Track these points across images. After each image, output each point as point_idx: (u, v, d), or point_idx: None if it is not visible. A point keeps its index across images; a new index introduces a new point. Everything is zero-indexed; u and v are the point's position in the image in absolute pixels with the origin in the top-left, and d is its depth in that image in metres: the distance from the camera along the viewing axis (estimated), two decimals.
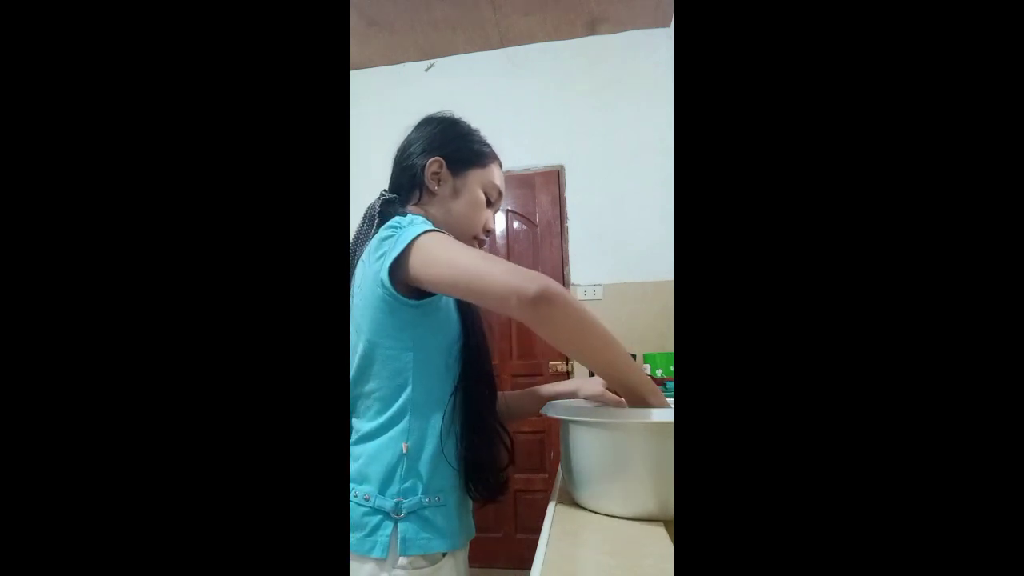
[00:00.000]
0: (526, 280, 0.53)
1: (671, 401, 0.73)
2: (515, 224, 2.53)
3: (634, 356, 2.02)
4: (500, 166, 0.78)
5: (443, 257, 0.58)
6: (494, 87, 2.59)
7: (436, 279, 0.59)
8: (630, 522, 0.52)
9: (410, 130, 0.78)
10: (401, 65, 2.72)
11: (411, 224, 0.61)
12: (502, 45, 2.59)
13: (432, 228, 0.61)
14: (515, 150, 2.50)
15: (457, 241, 0.62)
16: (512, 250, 2.52)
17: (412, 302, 0.62)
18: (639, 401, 0.59)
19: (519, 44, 2.59)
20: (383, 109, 2.57)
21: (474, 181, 0.73)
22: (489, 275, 0.55)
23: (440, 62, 2.69)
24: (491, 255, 0.58)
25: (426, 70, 2.70)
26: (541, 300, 0.52)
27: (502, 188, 0.77)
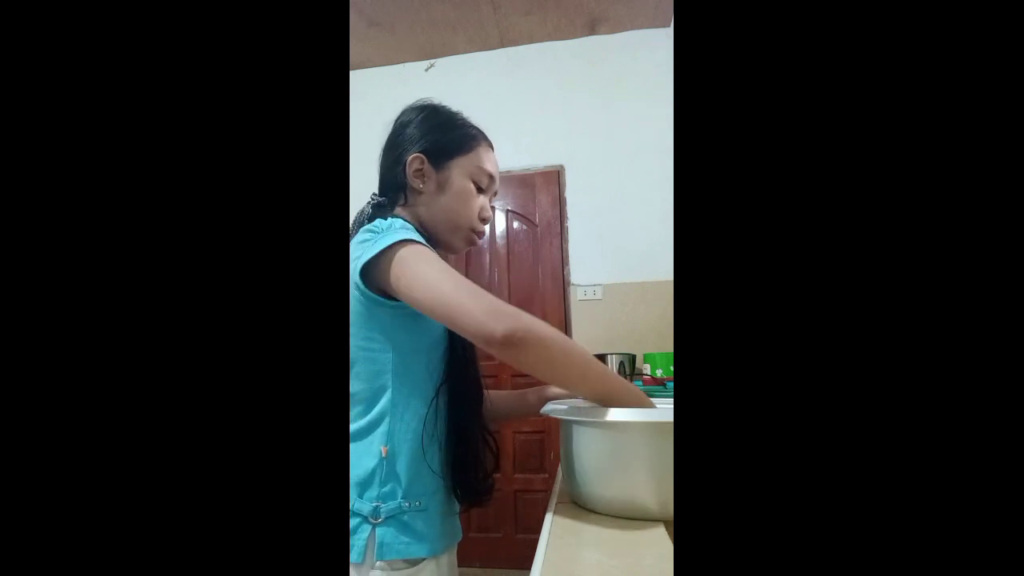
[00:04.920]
0: (494, 321, 0.51)
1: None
2: (515, 224, 2.53)
3: (633, 357, 1.99)
4: (490, 148, 0.73)
5: (421, 279, 0.56)
6: (494, 87, 2.59)
7: (414, 300, 0.57)
8: (630, 522, 0.52)
9: (391, 125, 0.74)
10: (401, 65, 2.72)
11: (389, 229, 0.60)
12: (502, 45, 2.59)
13: (409, 238, 0.59)
14: (515, 150, 2.50)
15: (435, 258, 0.59)
16: (512, 250, 2.52)
17: (388, 302, 0.61)
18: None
19: (519, 44, 2.59)
20: (383, 109, 2.56)
21: (459, 171, 0.69)
22: (461, 311, 0.53)
23: (440, 62, 2.69)
24: (468, 283, 0.56)
25: (426, 70, 2.70)
26: (508, 344, 0.51)
27: (493, 172, 0.72)
